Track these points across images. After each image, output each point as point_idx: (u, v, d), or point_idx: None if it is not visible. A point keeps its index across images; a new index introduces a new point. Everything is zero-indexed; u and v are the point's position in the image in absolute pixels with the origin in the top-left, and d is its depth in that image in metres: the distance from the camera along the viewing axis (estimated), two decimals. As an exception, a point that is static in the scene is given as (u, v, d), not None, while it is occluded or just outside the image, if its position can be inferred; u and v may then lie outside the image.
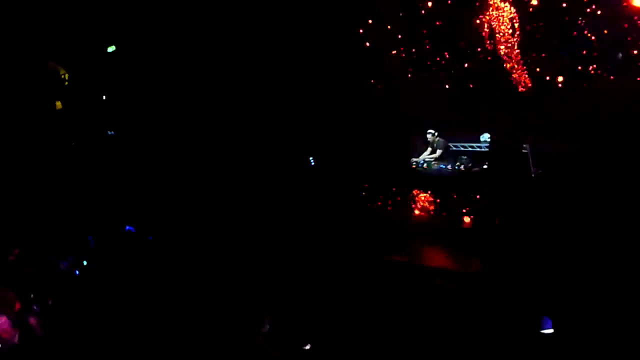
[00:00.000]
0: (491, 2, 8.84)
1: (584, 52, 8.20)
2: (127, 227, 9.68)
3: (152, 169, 9.99)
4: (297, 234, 9.03)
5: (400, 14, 9.47)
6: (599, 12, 7.94)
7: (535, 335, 3.74)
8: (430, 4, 9.22)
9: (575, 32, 8.23)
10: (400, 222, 8.90)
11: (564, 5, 8.13)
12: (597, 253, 4.21)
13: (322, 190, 9.86)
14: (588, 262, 4.18)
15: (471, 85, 9.69)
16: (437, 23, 9.46)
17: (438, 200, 8.55)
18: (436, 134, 9.10)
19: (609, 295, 3.82)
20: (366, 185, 9.46)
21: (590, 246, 4.20)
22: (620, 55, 7.74)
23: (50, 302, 7.37)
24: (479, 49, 9.40)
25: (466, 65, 9.66)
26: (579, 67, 8.22)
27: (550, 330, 3.65)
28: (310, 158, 10.67)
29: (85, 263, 8.66)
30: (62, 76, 10.03)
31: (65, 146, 9.72)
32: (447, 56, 9.79)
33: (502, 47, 9.17)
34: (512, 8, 8.68)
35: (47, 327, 6.17)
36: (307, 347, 4.74)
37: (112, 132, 10.04)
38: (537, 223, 4.68)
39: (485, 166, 8.23)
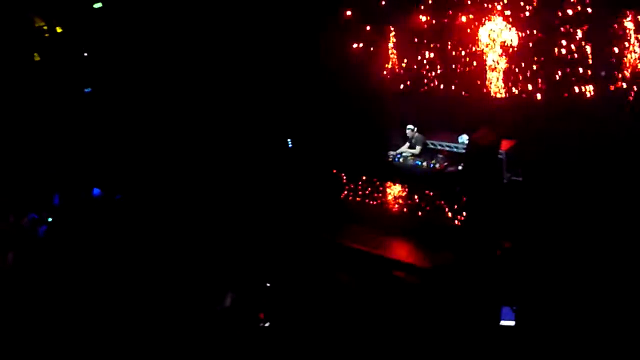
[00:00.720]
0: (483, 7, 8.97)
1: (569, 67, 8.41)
2: (95, 191, 9.54)
3: (127, 130, 9.82)
4: (263, 213, 9.09)
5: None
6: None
7: (495, 327, 3.82)
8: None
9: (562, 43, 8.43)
10: (367, 212, 8.99)
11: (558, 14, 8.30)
12: (561, 253, 4.32)
13: (296, 172, 9.90)
14: (551, 260, 4.28)
15: (453, 87, 9.88)
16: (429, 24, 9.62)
17: (409, 195, 8.63)
18: (415, 129, 9.16)
19: (570, 289, 3.93)
20: (337, 171, 9.49)
21: (554, 246, 4.31)
22: (603, 73, 7.93)
23: (10, 258, 7.28)
24: (464, 53, 9.56)
25: (453, 66, 9.85)
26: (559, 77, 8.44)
27: (512, 322, 3.73)
28: (289, 140, 10.66)
29: (50, 220, 8.56)
30: (42, 27, 9.73)
31: (40, 99, 9.45)
32: (436, 57, 9.97)
33: (489, 53, 9.32)
34: (502, 14, 8.82)
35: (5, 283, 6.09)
36: (267, 324, 4.77)
37: (89, 90, 9.79)
38: (504, 224, 4.77)
39: (460, 167, 8.32)
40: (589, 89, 8.30)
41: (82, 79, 9.83)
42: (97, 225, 8.20)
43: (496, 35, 9.07)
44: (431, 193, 8.26)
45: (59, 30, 9.74)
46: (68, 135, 9.58)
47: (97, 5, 9.43)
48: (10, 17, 9.37)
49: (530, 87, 9.00)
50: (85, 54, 9.83)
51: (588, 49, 8.15)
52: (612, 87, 8.04)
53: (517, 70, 9.08)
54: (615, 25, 7.74)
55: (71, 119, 9.57)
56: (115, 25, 9.85)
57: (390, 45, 10.50)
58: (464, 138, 8.45)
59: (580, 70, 8.33)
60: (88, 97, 9.80)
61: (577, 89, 8.42)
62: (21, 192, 8.71)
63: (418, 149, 9.07)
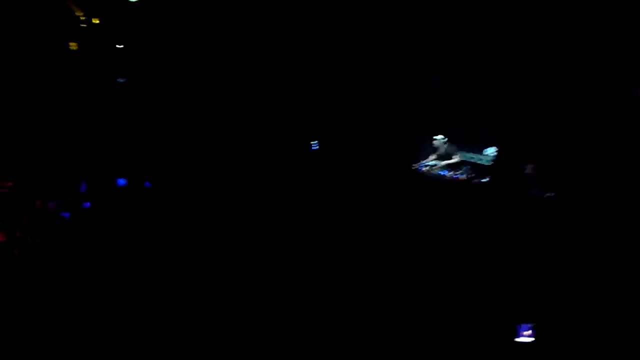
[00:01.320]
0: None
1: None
2: (120, 181, 9.66)
3: (158, 123, 9.94)
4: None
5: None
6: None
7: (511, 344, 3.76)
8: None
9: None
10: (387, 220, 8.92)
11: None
12: (582, 269, 4.24)
13: (317, 176, 9.90)
14: (571, 275, 4.20)
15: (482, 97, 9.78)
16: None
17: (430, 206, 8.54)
18: (446, 139, 9.07)
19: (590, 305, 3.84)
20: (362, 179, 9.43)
21: (575, 261, 4.22)
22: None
23: (31, 241, 7.39)
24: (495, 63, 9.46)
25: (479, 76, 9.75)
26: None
27: (530, 339, 3.67)
28: (312, 142, 10.66)
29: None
30: (80, 17, 9.92)
31: (74, 88, 9.62)
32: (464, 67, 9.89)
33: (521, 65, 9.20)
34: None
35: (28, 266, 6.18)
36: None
37: (124, 80, 9.94)
38: (527, 241, 4.70)
39: (486, 179, 8.22)
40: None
41: (116, 69, 9.99)
42: (122, 214, 8.30)
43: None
44: (455, 204, 8.16)
45: (95, 21, 9.91)
46: (99, 124, 9.73)
47: (134, -1, 9.59)
48: (48, 5, 9.56)
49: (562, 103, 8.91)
50: (121, 46, 9.99)
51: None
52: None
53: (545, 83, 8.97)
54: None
55: (104, 109, 9.72)
56: (150, 20, 10.00)
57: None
58: (490, 150, 8.36)
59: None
60: (122, 87, 9.94)
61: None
62: (49, 178, 8.86)
63: (457, 157, 8.92)
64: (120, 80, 9.92)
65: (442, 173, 8.74)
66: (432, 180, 8.83)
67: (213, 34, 10.02)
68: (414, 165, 9.02)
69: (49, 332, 4.86)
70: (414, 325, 4.22)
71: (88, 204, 8.82)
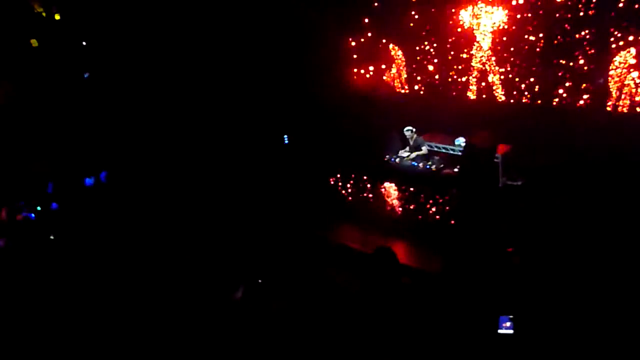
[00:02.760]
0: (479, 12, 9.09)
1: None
2: (87, 181, 9.47)
3: (124, 118, 9.76)
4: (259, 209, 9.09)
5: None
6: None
7: (492, 335, 3.84)
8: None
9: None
10: (363, 212, 9.04)
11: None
12: (559, 259, 4.37)
13: (292, 171, 9.95)
14: (546, 265, 4.32)
15: (452, 91, 10.01)
16: (427, 27, 9.76)
17: (404, 196, 8.68)
18: (414, 130, 9.22)
19: (566, 296, 3.97)
20: (336, 172, 9.53)
21: (551, 252, 4.35)
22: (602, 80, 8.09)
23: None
24: (463, 56, 9.68)
25: (452, 73, 9.99)
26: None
27: (510, 331, 3.75)
28: (285, 136, 10.70)
29: (39, 208, 8.49)
30: (41, 14, 9.63)
31: (37, 86, 9.34)
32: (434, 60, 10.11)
33: (488, 57, 9.42)
34: (502, 19, 8.93)
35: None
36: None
37: (87, 75, 9.71)
38: (498, 228, 4.81)
39: (456, 169, 8.39)
40: (585, 95, 8.52)
41: (80, 66, 9.74)
42: (93, 214, 8.16)
43: (494, 38, 9.21)
44: (427, 195, 8.31)
45: (57, 17, 9.65)
46: (64, 122, 9.48)
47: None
48: (9, 2, 9.26)
49: (528, 92, 9.17)
50: (84, 42, 9.74)
51: (586, 55, 8.33)
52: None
53: (514, 75, 9.23)
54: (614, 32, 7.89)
55: (68, 106, 9.48)
56: (113, 14, 9.79)
57: (390, 47, 10.66)
58: (460, 141, 8.52)
59: (577, 76, 8.51)
60: (86, 83, 9.70)
61: (572, 94, 8.64)
62: (15, 179, 8.62)
63: (424, 149, 9.12)
64: (85, 75, 9.67)
65: (414, 164, 8.87)
66: (405, 171, 8.95)
67: (176, 31, 9.92)
68: (386, 157, 9.13)
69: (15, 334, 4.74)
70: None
71: (55, 205, 8.64)
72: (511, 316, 3.80)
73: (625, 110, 8.10)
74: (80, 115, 9.45)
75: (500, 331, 3.80)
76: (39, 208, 8.49)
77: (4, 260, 7.11)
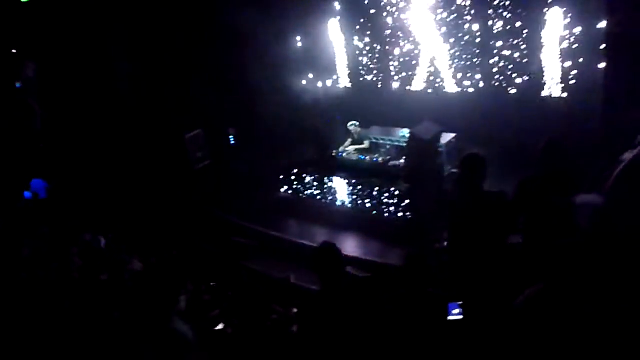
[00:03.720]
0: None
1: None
2: (26, 194, 9.10)
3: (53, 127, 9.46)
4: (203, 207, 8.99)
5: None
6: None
7: (444, 322, 3.92)
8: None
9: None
10: (311, 207, 9.07)
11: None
12: (499, 247, 4.45)
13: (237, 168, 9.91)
14: (493, 255, 4.40)
15: (394, 82, 10.13)
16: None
17: (353, 190, 8.74)
18: (358, 124, 9.29)
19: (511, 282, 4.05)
20: (278, 168, 9.51)
21: (493, 241, 4.42)
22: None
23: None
24: (405, 46, 9.81)
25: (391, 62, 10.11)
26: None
27: (459, 317, 3.83)
28: (231, 136, 10.61)
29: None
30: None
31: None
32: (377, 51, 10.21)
33: (426, 47, 9.58)
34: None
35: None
36: (220, 327, 4.73)
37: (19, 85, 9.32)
38: (448, 216, 4.86)
39: (402, 160, 8.49)
40: (526, 83, 8.79)
41: (10, 76, 9.34)
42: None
43: (436, 28, 9.39)
44: (375, 187, 8.38)
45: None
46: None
47: (25, -1, 8.96)
48: None
49: (469, 81, 9.39)
50: (14, 50, 9.35)
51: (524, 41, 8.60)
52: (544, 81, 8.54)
53: (456, 64, 9.44)
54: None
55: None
56: (45, 20, 9.43)
57: (331, 39, 10.72)
58: (404, 132, 8.63)
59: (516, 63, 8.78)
60: (18, 92, 9.32)
61: (514, 82, 8.91)
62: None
63: (367, 143, 9.18)
64: (17, 85, 9.28)
65: (362, 157, 8.93)
66: (353, 165, 8.99)
67: (102, 35, 9.72)
68: (334, 152, 9.15)
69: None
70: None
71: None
72: (460, 302, 3.89)
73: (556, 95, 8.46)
74: (13, 126, 9.06)
75: (450, 318, 3.89)
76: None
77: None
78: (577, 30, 8.05)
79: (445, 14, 9.22)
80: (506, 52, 8.84)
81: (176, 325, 3.37)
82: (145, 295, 3.53)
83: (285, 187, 9.37)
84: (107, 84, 9.92)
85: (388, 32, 10.01)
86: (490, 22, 8.82)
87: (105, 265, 5.80)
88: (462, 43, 9.23)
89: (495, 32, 8.83)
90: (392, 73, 10.27)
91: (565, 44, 8.22)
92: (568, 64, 8.29)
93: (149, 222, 8.53)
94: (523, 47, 8.67)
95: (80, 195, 8.65)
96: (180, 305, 3.48)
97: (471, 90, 9.46)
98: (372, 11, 10.01)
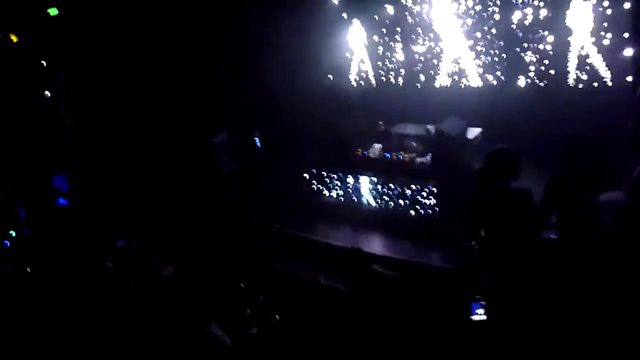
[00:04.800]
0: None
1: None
2: (60, 201, 9.33)
3: (87, 136, 9.66)
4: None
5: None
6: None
7: (467, 322, 3.87)
8: None
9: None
10: (339, 207, 9.06)
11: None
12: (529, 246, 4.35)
13: (268, 171, 9.95)
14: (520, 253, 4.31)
15: (420, 78, 10.01)
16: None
17: (380, 188, 8.69)
18: (382, 122, 9.25)
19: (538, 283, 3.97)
20: (305, 168, 9.53)
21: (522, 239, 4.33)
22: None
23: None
24: (431, 42, 9.69)
25: (414, 59, 10.00)
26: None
27: (483, 317, 3.78)
28: (256, 139, 10.68)
29: (13, 234, 8.33)
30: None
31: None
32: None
33: (448, 41, 9.46)
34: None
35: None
36: (254, 331, 4.76)
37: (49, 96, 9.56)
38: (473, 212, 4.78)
39: (428, 157, 8.38)
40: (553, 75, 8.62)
41: (41, 86, 9.58)
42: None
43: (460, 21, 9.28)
44: (401, 185, 8.31)
45: (14, 39, 9.46)
46: (28, 145, 9.33)
47: (53, 11, 9.18)
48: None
49: (493, 75, 9.25)
50: (44, 62, 9.58)
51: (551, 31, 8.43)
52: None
53: (480, 58, 9.31)
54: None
55: (30, 128, 9.33)
56: (73, 31, 9.64)
57: (353, 37, 10.70)
58: (430, 128, 8.53)
59: (547, 59, 8.61)
60: (48, 103, 9.55)
61: (541, 74, 8.74)
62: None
63: (392, 140, 9.10)
64: (47, 96, 9.51)
65: (387, 155, 8.86)
66: (378, 163, 8.93)
67: (132, 46, 9.89)
68: (359, 150, 9.10)
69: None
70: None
71: (27, 231, 8.47)
72: (483, 303, 3.84)
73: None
74: (43, 136, 9.30)
75: (473, 318, 3.85)
76: (12, 233, 8.34)
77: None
78: (607, 18, 7.85)
79: (469, 5, 9.11)
80: (532, 44, 8.67)
81: (213, 330, 3.40)
82: (180, 300, 3.57)
83: (311, 188, 9.36)
84: (134, 91, 10.07)
85: (409, 28, 9.93)
86: (515, 12, 8.66)
87: (138, 270, 5.88)
88: (487, 36, 9.10)
89: (520, 22, 8.68)
90: (416, 69, 10.18)
91: (594, 35, 8.03)
92: (597, 55, 8.09)
93: (177, 227, 8.64)
94: (550, 37, 8.50)
95: (110, 202, 8.82)
96: (213, 309, 3.52)
97: (495, 83, 9.32)
98: (392, 7, 9.94)
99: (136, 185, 9.42)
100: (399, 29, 10.11)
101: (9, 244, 8.19)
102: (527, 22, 8.63)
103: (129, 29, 9.91)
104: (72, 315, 4.57)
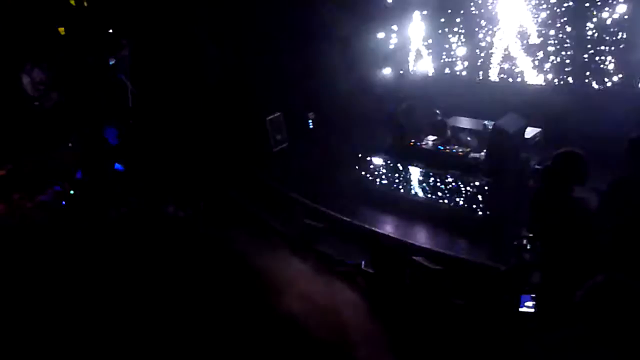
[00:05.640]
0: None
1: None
2: (116, 165, 9.64)
3: (147, 107, 9.91)
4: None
5: None
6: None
7: (516, 314, 3.83)
8: None
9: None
10: (387, 196, 9.01)
11: None
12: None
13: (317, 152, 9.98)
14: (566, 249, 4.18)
15: (480, 72, 9.78)
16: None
17: (430, 180, 8.59)
18: (439, 113, 9.10)
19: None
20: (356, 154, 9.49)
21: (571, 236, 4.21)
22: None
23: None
24: (491, 36, 9.45)
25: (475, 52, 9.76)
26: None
27: (531, 309, 3.74)
28: (310, 121, 10.73)
29: (72, 193, 8.67)
30: (69, 1, 9.76)
31: (65, 73, 9.50)
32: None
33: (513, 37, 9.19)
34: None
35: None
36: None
37: (113, 61, 9.82)
38: (530, 213, 4.67)
39: (483, 153, 8.22)
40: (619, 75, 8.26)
41: (106, 54, 9.87)
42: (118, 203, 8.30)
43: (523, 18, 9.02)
44: (453, 179, 8.19)
45: (85, 4, 9.76)
46: (90, 108, 9.64)
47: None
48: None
49: (559, 74, 8.95)
50: (110, 30, 9.85)
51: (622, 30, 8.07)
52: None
53: (544, 55, 9.03)
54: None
55: (94, 92, 9.64)
56: (137, 2, 9.89)
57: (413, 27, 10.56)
58: (488, 124, 8.35)
59: (610, 58, 8.25)
60: (111, 69, 9.83)
61: (607, 74, 8.40)
62: (44, 167, 8.80)
63: (447, 133, 8.97)
64: (111, 62, 9.78)
65: (440, 148, 8.72)
66: (431, 155, 8.81)
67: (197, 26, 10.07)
68: (412, 140, 9.00)
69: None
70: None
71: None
72: (533, 295, 3.81)
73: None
74: (105, 103, 9.60)
75: (521, 309, 3.82)
76: (72, 192, 8.67)
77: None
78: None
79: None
80: (597, 43, 8.33)
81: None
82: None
83: (361, 173, 9.34)
84: (195, 66, 10.25)
85: (474, 20, 9.71)
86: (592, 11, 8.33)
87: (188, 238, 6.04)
88: (555, 34, 8.80)
89: (596, 22, 8.33)
90: (478, 63, 9.96)
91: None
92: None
93: (226, 200, 8.79)
94: (614, 35, 8.13)
95: (165, 172, 9.05)
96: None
97: (554, 80, 9.01)
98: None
99: (191, 158, 9.62)
100: (463, 21, 9.90)
101: (64, 204, 8.54)
102: (604, 22, 8.27)
103: (195, 6, 10.06)
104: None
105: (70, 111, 9.33)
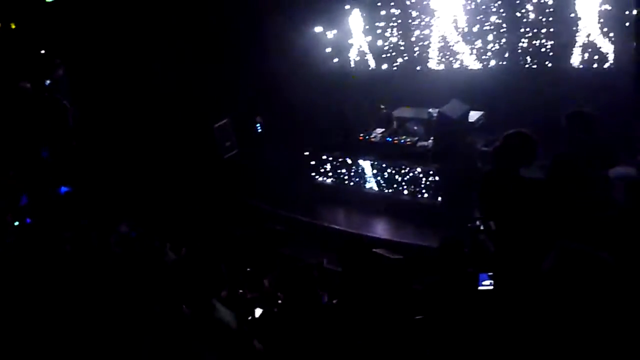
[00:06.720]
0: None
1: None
2: (63, 189, 9.31)
3: (88, 125, 9.63)
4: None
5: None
6: None
7: (475, 292, 3.92)
8: None
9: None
10: (340, 192, 9.08)
11: None
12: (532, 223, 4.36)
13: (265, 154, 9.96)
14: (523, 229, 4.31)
15: (420, 61, 9.94)
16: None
17: (382, 173, 8.71)
18: (384, 106, 9.24)
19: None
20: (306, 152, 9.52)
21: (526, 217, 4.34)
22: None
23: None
24: (429, 24, 9.62)
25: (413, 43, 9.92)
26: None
27: (489, 287, 3.84)
28: (258, 125, 10.68)
29: (16, 224, 8.33)
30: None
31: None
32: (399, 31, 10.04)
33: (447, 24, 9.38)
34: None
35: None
36: (259, 312, 4.80)
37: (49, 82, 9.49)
38: (480, 195, 4.79)
39: (430, 141, 8.38)
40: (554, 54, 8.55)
41: (40, 75, 9.52)
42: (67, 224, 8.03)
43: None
44: (404, 169, 8.33)
45: (12, 26, 9.40)
46: (28, 133, 9.29)
47: (50, -1, 9.11)
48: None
49: (497, 58, 9.19)
50: (42, 51, 9.52)
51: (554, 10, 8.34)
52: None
53: (482, 40, 9.25)
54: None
55: (30, 116, 9.29)
56: (71, 20, 9.59)
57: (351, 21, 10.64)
58: (432, 111, 8.52)
59: (549, 39, 8.53)
60: (47, 90, 9.48)
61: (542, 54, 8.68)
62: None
63: (394, 124, 9.11)
64: (47, 83, 9.45)
65: (388, 139, 8.86)
66: (380, 147, 8.93)
67: (127, 35, 9.83)
68: (360, 135, 9.09)
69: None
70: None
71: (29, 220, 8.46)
72: (491, 273, 3.91)
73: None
74: (44, 124, 9.26)
75: (480, 288, 3.92)
76: (16, 224, 8.33)
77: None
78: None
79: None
80: (534, 25, 8.59)
81: (219, 314, 3.42)
82: (185, 285, 3.59)
83: (313, 173, 9.38)
84: (137, 78, 10.03)
85: (409, 12, 9.86)
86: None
87: (142, 256, 5.91)
88: (488, 18, 9.03)
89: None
90: (415, 54, 10.12)
91: (597, 12, 7.96)
92: (599, 33, 8.04)
93: (180, 212, 8.66)
94: (551, 16, 8.41)
95: (113, 188, 8.83)
96: (220, 293, 3.54)
97: (493, 63, 9.25)
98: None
99: (139, 172, 9.42)
100: (398, 13, 10.04)
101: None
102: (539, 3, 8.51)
103: (132, 15, 9.83)
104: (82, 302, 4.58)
105: (6, 137, 8.95)
